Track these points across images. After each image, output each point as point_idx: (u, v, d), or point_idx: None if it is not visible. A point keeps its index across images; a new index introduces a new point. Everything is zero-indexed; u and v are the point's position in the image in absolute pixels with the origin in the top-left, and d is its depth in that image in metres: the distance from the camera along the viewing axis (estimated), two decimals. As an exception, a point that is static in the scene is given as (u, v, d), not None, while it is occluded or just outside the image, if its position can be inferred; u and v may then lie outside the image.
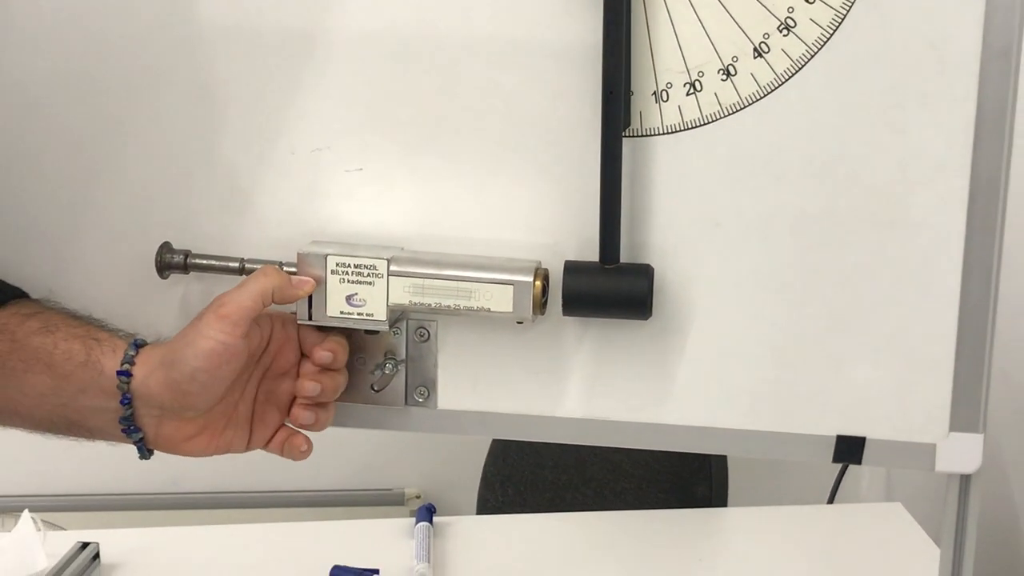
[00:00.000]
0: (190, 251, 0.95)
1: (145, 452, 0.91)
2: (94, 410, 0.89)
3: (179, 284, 0.97)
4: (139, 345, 0.90)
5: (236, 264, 0.94)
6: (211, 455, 0.93)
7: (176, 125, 0.96)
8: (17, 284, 0.98)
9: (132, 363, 0.88)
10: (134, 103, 0.95)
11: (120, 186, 0.97)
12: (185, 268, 0.95)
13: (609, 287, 0.91)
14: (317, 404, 0.93)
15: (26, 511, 1.25)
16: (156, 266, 0.95)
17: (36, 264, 1.00)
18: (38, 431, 0.93)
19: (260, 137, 0.95)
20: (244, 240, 0.96)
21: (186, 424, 0.90)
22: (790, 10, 0.86)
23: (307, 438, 0.94)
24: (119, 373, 0.87)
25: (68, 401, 0.89)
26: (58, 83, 0.96)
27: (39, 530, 1.23)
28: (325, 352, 0.92)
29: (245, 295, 0.89)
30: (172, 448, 0.92)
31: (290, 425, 0.94)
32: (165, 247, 0.95)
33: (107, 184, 0.97)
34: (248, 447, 0.95)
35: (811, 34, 0.86)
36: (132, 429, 0.89)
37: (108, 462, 2.03)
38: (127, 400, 0.87)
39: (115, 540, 1.29)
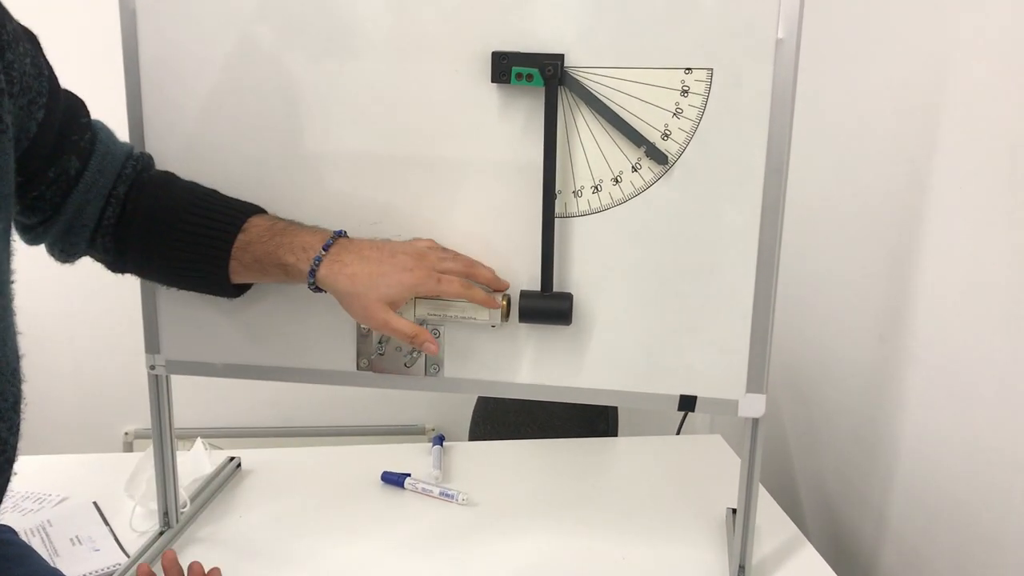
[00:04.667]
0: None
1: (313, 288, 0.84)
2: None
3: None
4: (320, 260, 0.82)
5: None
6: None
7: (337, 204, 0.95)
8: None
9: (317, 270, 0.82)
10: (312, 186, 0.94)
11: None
12: None
13: (547, 306, 0.91)
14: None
15: (198, 438, 1.26)
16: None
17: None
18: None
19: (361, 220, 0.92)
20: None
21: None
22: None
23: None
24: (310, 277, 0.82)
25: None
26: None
27: (206, 449, 1.23)
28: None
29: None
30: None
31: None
32: None
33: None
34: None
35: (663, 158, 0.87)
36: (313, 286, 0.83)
37: (248, 409, 2.02)
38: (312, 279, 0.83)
39: (251, 455, 1.29)
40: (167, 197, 0.87)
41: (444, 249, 0.90)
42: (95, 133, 0.85)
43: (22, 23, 0.76)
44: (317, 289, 0.84)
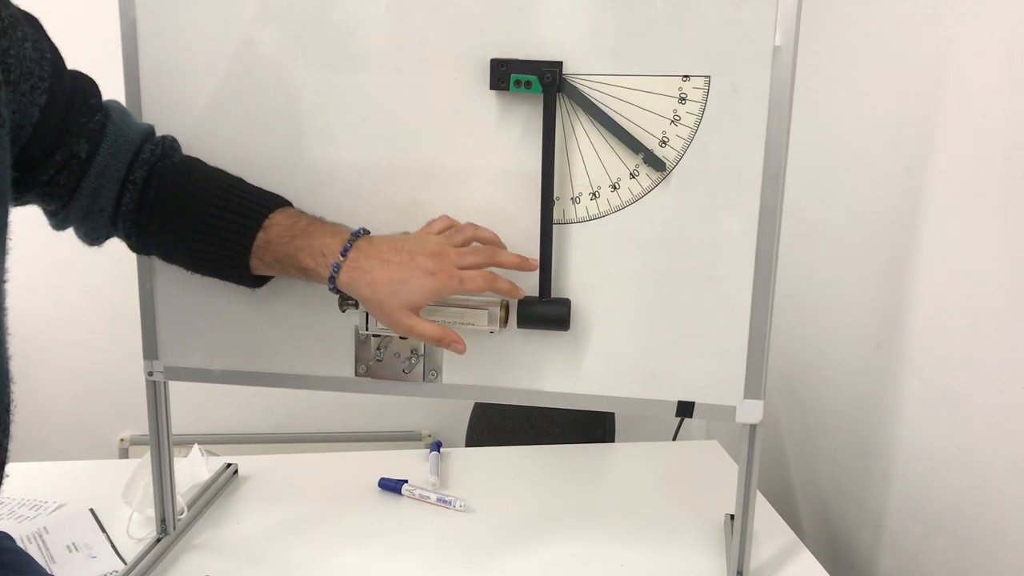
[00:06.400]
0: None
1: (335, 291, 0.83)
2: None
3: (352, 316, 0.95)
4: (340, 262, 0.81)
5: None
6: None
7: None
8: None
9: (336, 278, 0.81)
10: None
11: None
12: (355, 305, 0.91)
13: (545, 312, 0.91)
14: None
15: (195, 444, 1.25)
16: (339, 306, 0.93)
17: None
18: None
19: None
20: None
21: None
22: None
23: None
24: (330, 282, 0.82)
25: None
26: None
27: (203, 455, 1.23)
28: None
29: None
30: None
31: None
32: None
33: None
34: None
35: (660, 165, 0.88)
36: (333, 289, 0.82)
37: (246, 414, 2.02)
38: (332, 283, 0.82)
39: (248, 462, 1.29)
40: (188, 187, 0.85)
41: (461, 229, 0.88)
42: (107, 115, 0.83)
43: (22, 8, 0.75)
44: (337, 291, 0.83)
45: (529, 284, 0.92)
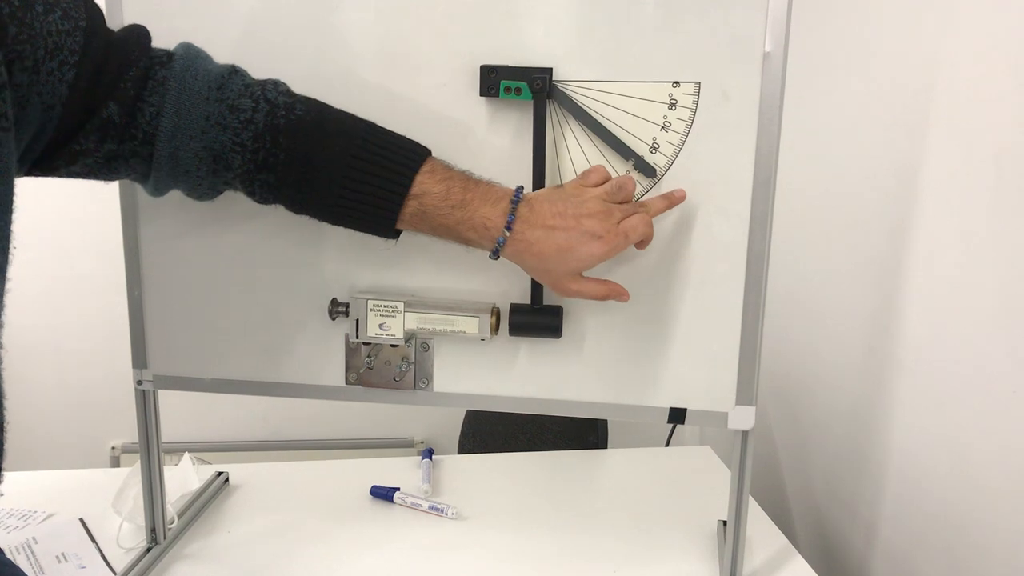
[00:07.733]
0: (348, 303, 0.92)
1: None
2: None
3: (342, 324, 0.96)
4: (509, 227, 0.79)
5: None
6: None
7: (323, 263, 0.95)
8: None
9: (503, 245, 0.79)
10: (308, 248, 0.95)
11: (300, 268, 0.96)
12: (345, 313, 0.93)
13: (537, 319, 0.91)
14: None
15: (186, 452, 1.25)
16: (329, 313, 0.94)
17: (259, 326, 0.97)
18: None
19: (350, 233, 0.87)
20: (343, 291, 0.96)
21: None
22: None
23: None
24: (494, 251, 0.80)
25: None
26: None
27: (193, 464, 1.22)
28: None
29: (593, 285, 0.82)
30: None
31: None
32: (334, 301, 0.94)
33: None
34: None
35: (651, 171, 0.87)
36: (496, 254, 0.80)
37: (237, 422, 2.01)
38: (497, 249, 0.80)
39: (238, 470, 1.28)
40: (320, 147, 0.78)
41: (622, 185, 0.83)
42: (169, 68, 0.77)
43: None
44: (498, 258, 0.82)
45: (520, 292, 0.92)
